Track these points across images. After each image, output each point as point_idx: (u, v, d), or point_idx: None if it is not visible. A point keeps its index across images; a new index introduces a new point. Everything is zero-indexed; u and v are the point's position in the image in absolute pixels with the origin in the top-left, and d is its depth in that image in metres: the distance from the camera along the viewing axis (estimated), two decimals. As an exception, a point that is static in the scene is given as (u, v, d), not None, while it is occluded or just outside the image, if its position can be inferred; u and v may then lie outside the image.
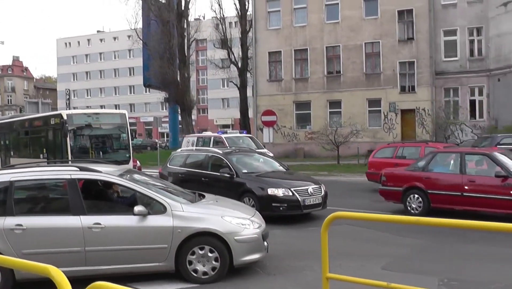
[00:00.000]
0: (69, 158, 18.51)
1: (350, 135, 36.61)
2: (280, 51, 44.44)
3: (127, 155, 21.15)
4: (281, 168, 16.34)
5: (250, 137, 28.90)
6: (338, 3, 42.79)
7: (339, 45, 42.74)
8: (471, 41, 40.76)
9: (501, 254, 10.36)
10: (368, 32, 41.94)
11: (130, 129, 22.14)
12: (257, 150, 24.37)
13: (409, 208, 14.80)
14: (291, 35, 44.03)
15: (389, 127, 41.19)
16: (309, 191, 14.22)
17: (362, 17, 42.10)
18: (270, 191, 13.87)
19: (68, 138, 19.42)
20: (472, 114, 40.46)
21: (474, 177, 13.98)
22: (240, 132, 30.05)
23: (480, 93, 40.68)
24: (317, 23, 43.25)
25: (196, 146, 26.02)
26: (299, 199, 13.88)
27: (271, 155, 24.91)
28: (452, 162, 14.76)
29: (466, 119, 39.32)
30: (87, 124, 20.32)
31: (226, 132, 28.99)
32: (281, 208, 13.80)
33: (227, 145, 24.39)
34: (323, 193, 14.69)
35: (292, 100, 43.95)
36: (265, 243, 9.06)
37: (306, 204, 14.03)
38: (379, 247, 11.12)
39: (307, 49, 43.69)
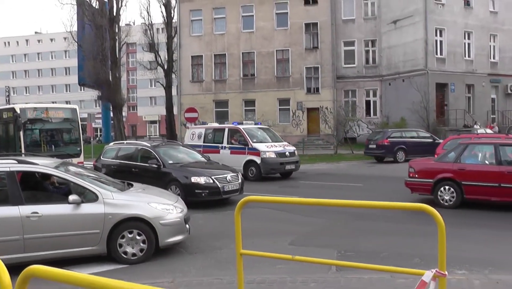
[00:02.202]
0: (23, 152, 17.03)
1: (263, 130, 36.81)
2: (202, 56, 44.26)
3: (78, 149, 19.70)
4: (202, 159, 16.22)
5: (267, 129, 24.71)
6: (253, 15, 43.20)
7: (254, 52, 43.12)
8: (367, 51, 42.62)
9: (387, 229, 10.77)
10: (279, 41, 42.58)
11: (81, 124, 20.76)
12: (277, 143, 22.13)
13: (440, 200, 13.21)
14: (211, 41, 43.91)
15: (296, 123, 41.90)
16: (227, 179, 14.29)
17: (274, 28, 42.73)
18: (194, 179, 13.82)
19: (21, 132, 17.95)
20: (368, 112, 42.14)
21: None
22: (255, 124, 24.77)
23: (374, 95, 42.43)
24: (235, 32, 43.41)
25: (204, 139, 22.88)
26: (219, 186, 13.93)
27: (294, 148, 22.47)
28: (486, 153, 13.20)
29: (362, 117, 40.65)
30: (39, 119, 18.79)
31: (242, 123, 23.74)
32: (203, 194, 13.79)
33: (246, 136, 21.46)
34: (240, 180, 14.82)
35: (212, 99, 43.92)
36: (187, 226, 9.01)
37: (225, 190, 14.11)
38: (287, 226, 11.25)
39: (225, 54, 43.78)
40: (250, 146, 21.12)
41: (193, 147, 22.13)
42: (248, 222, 10.60)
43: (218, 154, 21.61)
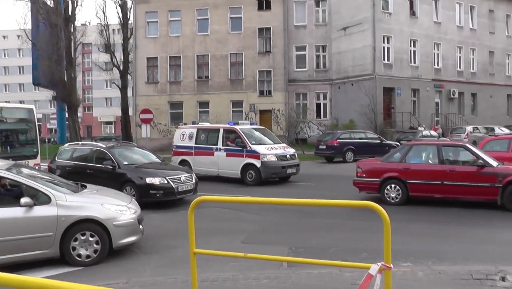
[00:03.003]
0: None
1: (217, 131, 36.65)
2: (157, 57, 43.73)
3: (35, 150, 18.27)
4: (157, 160, 16.00)
5: (263, 129, 22.73)
6: (208, 18, 43.08)
7: (208, 54, 42.98)
8: (318, 56, 43.23)
9: (336, 225, 10.98)
10: (233, 44, 42.62)
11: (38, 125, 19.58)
12: (276, 144, 20.20)
13: (387, 198, 13.64)
14: (167, 43, 43.53)
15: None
16: (182, 179, 14.17)
17: (228, 32, 42.74)
18: (148, 180, 13.66)
19: None
20: (318, 115, 42.66)
21: (453, 167, 13.06)
22: (250, 124, 22.30)
23: (324, 98, 42.99)
24: (190, 35, 43.18)
25: (196, 140, 21.09)
26: (173, 186, 13.81)
27: (293, 150, 20.68)
28: (429, 153, 13.76)
29: (313, 119, 41.19)
30: None
31: (238, 124, 21.15)
32: (157, 195, 13.65)
33: (244, 137, 19.49)
34: (194, 180, 14.71)
35: (167, 101, 43.46)
36: (141, 226, 8.89)
37: (180, 190, 13.99)
38: (240, 224, 11.30)
39: (180, 56, 43.44)
40: (248, 148, 19.26)
41: (184, 148, 21.47)
42: (202, 222, 10.58)
43: (212, 156, 20.29)
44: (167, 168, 15.20)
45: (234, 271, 7.23)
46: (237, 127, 20.25)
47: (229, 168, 19.84)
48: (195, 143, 21.15)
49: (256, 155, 19.05)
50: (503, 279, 6.42)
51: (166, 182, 13.76)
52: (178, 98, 43.34)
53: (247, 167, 19.26)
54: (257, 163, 18.94)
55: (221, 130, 20.42)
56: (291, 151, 20.41)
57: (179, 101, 43.34)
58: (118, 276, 7.36)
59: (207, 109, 42.80)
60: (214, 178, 20.55)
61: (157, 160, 16.02)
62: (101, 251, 8.13)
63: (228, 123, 21.64)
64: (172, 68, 43.89)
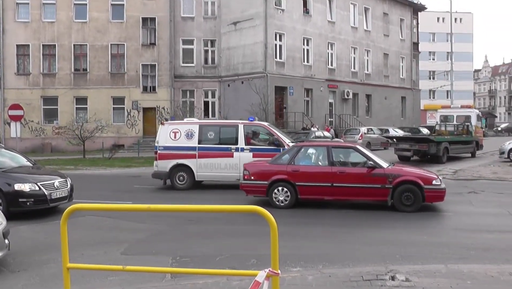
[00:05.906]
0: None
1: (95, 130, 35.95)
2: (29, 45, 41.87)
3: None
4: (28, 163, 15.31)
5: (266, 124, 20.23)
6: (86, 4, 41.97)
7: (87, 44, 41.94)
8: (206, 51, 43.70)
9: (223, 231, 11.29)
10: (114, 34, 41.98)
11: None
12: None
13: (276, 201, 13.96)
14: (39, 29, 41.77)
15: (132, 124, 41.57)
16: (55, 185, 13.67)
17: (109, 20, 42.01)
18: (17, 186, 12.96)
19: None
20: (206, 113, 43.12)
21: (343, 168, 13.64)
22: (249, 120, 19.55)
23: (213, 96, 43.56)
24: (66, 21, 41.82)
25: (200, 138, 18.68)
26: (46, 193, 13.24)
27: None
28: (319, 155, 14.16)
29: (200, 117, 41.35)
30: None
31: (254, 119, 19.63)
32: (28, 203, 12.99)
33: (279, 134, 18.22)
34: (69, 186, 14.23)
35: (40, 95, 41.76)
36: (6, 241, 8.40)
37: (53, 197, 13.46)
38: (120, 234, 11.19)
39: (55, 45, 41.95)
40: (287, 147, 17.38)
41: (179, 149, 18.86)
42: (78, 232, 10.49)
43: (231, 158, 18.22)
44: (39, 172, 14.64)
45: (113, 286, 7.20)
46: (264, 123, 18.83)
47: None
48: (199, 143, 18.75)
49: None
50: (392, 278, 6.98)
51: (37, 188, 13.19)
52: (52, 93, 41.80)
53: None
54: None
55: (241, 127, 18.45)
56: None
57: (53, 96, 41.83)
58: (-19, 299, 6.99)
59: (85, 106, 41.73)
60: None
61: (28, 163, 15.36)
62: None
63: (249, 119, 19.68)
64: (46, 58, 42.25)
